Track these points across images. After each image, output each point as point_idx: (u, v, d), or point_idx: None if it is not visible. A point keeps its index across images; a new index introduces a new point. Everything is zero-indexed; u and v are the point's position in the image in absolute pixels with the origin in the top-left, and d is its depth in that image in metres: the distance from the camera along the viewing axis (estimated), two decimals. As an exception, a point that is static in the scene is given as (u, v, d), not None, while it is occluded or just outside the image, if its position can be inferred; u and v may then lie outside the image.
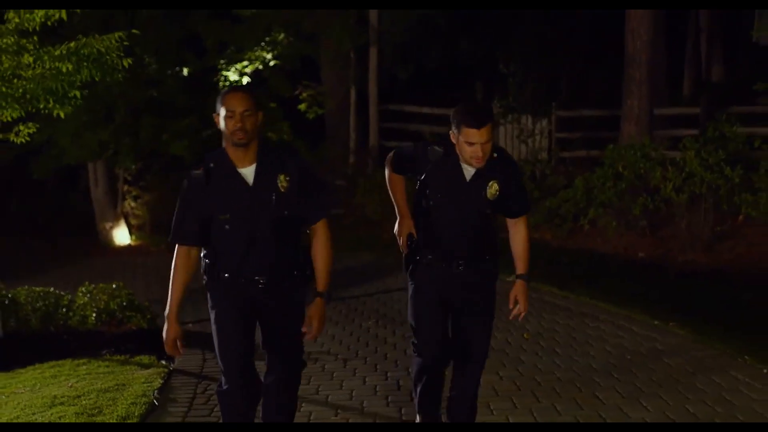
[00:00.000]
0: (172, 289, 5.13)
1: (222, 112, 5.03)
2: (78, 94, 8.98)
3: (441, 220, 5.62)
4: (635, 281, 11.87)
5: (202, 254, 5.21)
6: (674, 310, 9.85)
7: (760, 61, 20.10)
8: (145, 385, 7.12)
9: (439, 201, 5.60)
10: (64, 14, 8.99)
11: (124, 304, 9.97)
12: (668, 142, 17.49)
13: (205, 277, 5.21)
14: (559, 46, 21.69)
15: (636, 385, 7.30)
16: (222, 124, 5.06)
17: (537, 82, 20.61)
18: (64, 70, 8.58)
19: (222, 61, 19.80)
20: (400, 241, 5.66)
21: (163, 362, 8.12)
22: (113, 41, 8.68)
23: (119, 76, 9.11)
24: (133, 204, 20.65)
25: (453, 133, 5.51)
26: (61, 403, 6.74)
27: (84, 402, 6.71)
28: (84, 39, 8.58)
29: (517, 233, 5.73)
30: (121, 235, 19.78)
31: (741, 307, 10.16)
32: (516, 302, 5.67)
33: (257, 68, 20.28)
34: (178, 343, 5.14)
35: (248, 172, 5.11)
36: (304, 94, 21.20)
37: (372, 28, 20.05)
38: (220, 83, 19.85)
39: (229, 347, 5.16)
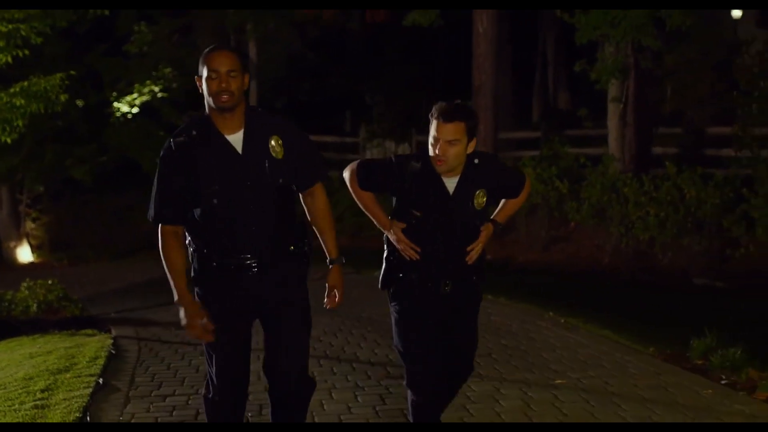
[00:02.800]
0: (170, 270, 4.64)
1: (204, 72, 4.59)
2: (21, 123, 11.11)
3: (425, 236, 5.15)
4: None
5: (187, 241, 4.76)
6: (521, 297, 11.97)
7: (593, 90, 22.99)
8: (99, 343, 9.27)
9: (422, 218, 5.14)
10: (9, 58, 11.13)
11: (60, 296, 12.07)
12: (513, 161, 20.19)
13: (191, 270, 4.74)
14: (418, 80, 24.42)
15: (512, 364, 8.12)
16: (204, 86, 4.61)
17: (398, 111, 23.26)
18: (17, 104, 10.70)
19: (114, 94, 21.86)
20: (400, 244, 5.17)
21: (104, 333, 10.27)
22: (57, 80, 10.83)
23: (59, 108, 11.26)
24: (32, 225, 22.51)
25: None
26: (39, 355, 8.83)
27: (55, 355, 8.81)
28: (34, 79, 10.73)
29: (514, 202, 5.44)
30: (24, 254, 21.60)
31: (571, 293, 12.58)
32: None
33: (146, 100, 22.38)
34: (205, 323, 4.59)
35: (236, 139, 4.65)
36: (190, 123, 23.36)
37: (251, 62, 22.35)
38: (113, 115, 21.91)
39: (223, 364, 4.76)
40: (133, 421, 6.45)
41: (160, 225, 4.70)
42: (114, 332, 10.17)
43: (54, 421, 6.26)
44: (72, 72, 11.40)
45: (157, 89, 22.31)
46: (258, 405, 6.56)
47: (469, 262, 5.22)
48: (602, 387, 7.14)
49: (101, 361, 8.21)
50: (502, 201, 5.42)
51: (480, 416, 6.43)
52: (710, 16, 22.46)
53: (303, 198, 4.92)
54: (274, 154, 4.70)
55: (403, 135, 22.49)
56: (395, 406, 6.65)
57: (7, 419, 6.41)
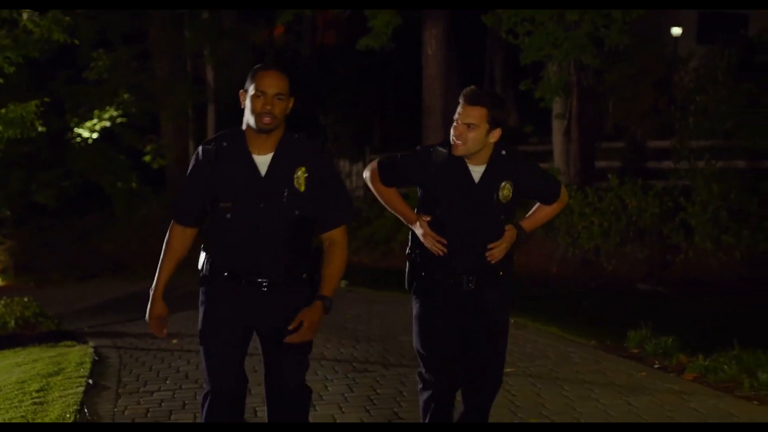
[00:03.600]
0: (161, 266, 4.78)
1: (251, 89, 4.56)
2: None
3: (449, 229, 5.07)
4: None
5: (202, 246, 4.82)
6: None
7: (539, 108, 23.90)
8: (81, 351, 9.89)
9: (446, 208, 5.07)
10: (-13, 87, 11.79)
11: (37, 312, 12.67)
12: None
13: (202, 272, 4.77)
14: (370, 101, 25.24)
15: None
16: (247, 103, 4.58)
17: (351, 131, 24.07)
18: (-2, 130, 11.37)
19: (75, 120, 22.46)
20: (427, 239, 5.09)
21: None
22: (32, 107, 11.49)
23: (33, 134, 11.90)
24: (-4, 250, 23.02)
25: None
26: (26, 364, 9.44)
27: (42, 363, 9.42)
28: (12, 106, 11.38)
29: (549, 209, 5.31)
30: (-9, 277, 22.12)
31: (520, 297, 13.40)
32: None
33: (105, 126, 22.99)
34: (164, 321, 4.85)
35: (263, 161, 4.64)
36: (149, 147, 23.99)
37: (209, 87, 23.04)
38: (74, 141, 22.49)
39: (220, 371, 4.74)
40: (126, 413, 7.08)
41: (172, 221, 4.81)
42: (93, 343, 10.78)
43: (54, 415, 6.88)
44: (46, 99, 12.04)
45: (116, 114, 22.93)
46: (252, 408, 6.87)
47: (491, 261, 5.07)
48: (548, 373, 7.92)
49: (87, 366, 8.82)
50: (534, 207, 5.31)
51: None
52: (650, 34, 23.48)
53: (322, 239, 4.78)
54: (296, 185, 4.64)
55: (356, 154, 23.26)
56: (363, 394, 7.38)
57: (10, 415, 7.03)
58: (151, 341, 10.31)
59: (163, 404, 7.31)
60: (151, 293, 4.81)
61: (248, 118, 4.58)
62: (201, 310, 4.76)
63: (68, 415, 6.81)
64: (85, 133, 22.63)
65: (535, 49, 16.93)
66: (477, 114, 4.91)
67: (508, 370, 8.02)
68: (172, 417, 6.94)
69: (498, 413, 6.40)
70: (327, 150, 4.93)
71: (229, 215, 4.62)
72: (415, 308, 5.21)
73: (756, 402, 6.88)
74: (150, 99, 23.31)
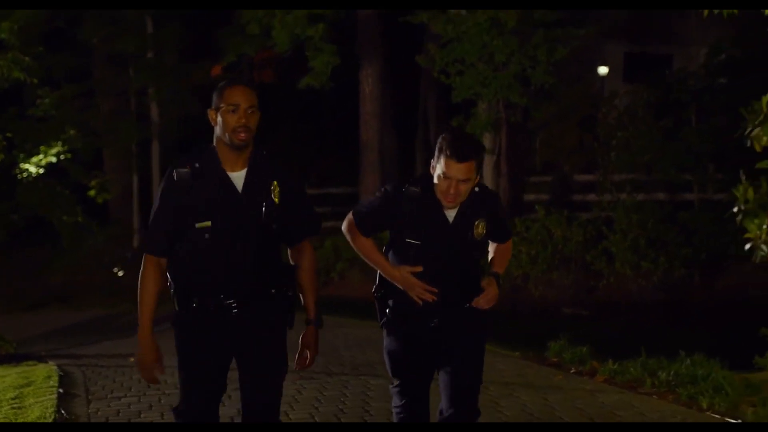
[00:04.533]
0: (141, 303, 4.67)
1: (221, 105, 4.57)
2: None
3: (423, 268, 5.05)
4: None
5: (169, 277, 4.72)
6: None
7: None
8: (46, 368, 10.60)
9: (419, 248, 5.05)
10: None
11: (-5, 336, 13.34)
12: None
13: (174, 308, 4.74)
14: (308, 137, 26.17)
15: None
16: (219, 120, 4.60)
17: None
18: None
19: (21, 155, 23.07)
20: (414, 290, 5.05)
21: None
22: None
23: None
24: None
25: (432, 164, 5.03)
26: (-5, 380, 10.16)
27: (9, 378, 10.10)
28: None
29: (505, 249, 5.41)
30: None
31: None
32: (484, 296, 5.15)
33: (51, 161, 23.61)
34: (157, 367, 4.73)
35: (238, 177, 4.64)
36: (93, 182, 24.64)
37: (153, 124, 23.81)
38: (19, 176, 23.09)
39: (194, 403, 4.76)
40: (99, 413, 7.86)
41: (144, 254, 4.73)
42: (54, 363, 11.48)
43: (34, 416, 7.62)
44: (9, 134, 12.77)
45: (62, 150, 23.57)
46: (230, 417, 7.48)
47: (467, 305, 5.14)
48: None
49: (55, 378, 9.53)
50: (492, 250, 5.33)
51: (379, 415, 8.02)
52: (579, 74, 24.67)
53: (290, 252, 4.93)
54: (274, 198, 4.70)
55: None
56: (310, 396, 8.23)
57: (-9, 418, 7.77)
58: (109, 359, 11.05)
59: (131, 407, 8.09)
60: (140, 338, 4.69)
61: (221, 136, 4.60)
62: (180, 354, 4.72)
63: (48, 416, 7.56)
64: (32, 169, 23.22)
65: (466, 88, 18.00)
66: (470, 168, 4.88)
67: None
68: (142, 416, 7.73)
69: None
70: (293, 168, 4.90)
71: (207, 235, 4.60)
72: (385, 342, 5.24)
73: (655, 396, 7.89)
74: (95, 135, 24.00)
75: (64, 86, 23.95)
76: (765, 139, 6.84)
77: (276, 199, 4.71)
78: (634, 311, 15.58)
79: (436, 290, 5.03)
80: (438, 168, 4.94)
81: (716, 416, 7.15)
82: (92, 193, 24.54)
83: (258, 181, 4.69)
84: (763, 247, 7.75)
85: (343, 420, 7.43)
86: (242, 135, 4.56)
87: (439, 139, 5.00)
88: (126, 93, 24.42)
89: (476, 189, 5.05)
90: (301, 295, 4.91)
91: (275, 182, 4.71)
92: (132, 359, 10.87)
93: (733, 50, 19.91)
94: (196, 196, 4.61)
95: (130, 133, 23.66)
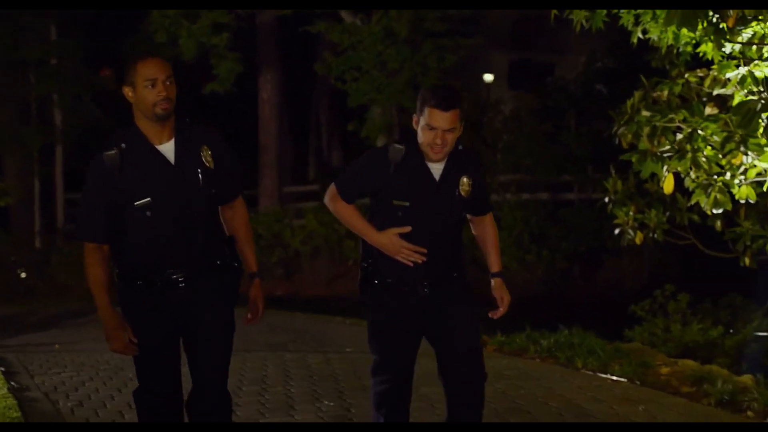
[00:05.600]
0: (92, 285, 4.62)
1: (137, 81, 4.49)
2: None
3: (410, 231, 4.91)
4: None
5: (113, 258, 4.68)
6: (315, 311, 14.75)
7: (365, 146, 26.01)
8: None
9: (407, 209, 4.90)
10: None
11: None
12: (295, 212, 22.92)
13: (119, 289, 4.71)
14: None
15: (311, 345, 12.12)
16: (137, 96, 4.51)
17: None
18: None
19: None
20: (402, 252, 4.89)
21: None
22: None
23: None
24: None
25: (415, 118, 4.90)
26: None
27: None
28: None
29: (486, 229, 5.23)
30: None
31: (355, 311, 15.37)
32: (501, 301, 5.20)
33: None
34: (126, 334, 4.62)
35: (167, 149, 4.58)
36: (-7, 187, 25.07)
37: (57, 129, 24.37)
38: None
39: (153, 382, 4.74)
40: (45, 384, 8.63)
41: (84, 243, 4.65)
42: None
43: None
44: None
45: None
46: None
47: (494, 317, 5.18)
48: (367, 357, 9.78)
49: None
50: (486, 248, 5.23)
51: (300, 382, 9.00)
52: (468, 81, 25.88)
53: (222, 211, 4.85)
54: (207, 164, 4.66)
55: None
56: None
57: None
58: (36, 347, 11.77)
59: (73, 379, 8.88)
60: (101, 314, 4.63)
61: (142, 110, 4.55)
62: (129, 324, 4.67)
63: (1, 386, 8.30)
64: None
65: (362, 94, 19.10)
66: (454, 117, 4.79)
67: (348, 349, 10.00)
68: (86, 385, 8.52)
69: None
70: (217, 131, 4.87)
71: (149, 212, 4.53)
72: (369, 316, 5.09)
73: (538, 360, 9.09)
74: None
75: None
76: (630, 136, 8.00)
77: (210, 164, 4.68)
78: (520, 301, 16.82)
79: (425, 250, 4.88)
80: (422, 120, 4.83)
81: (589, 372, 8.33)
82: (-8, 197, 24.99)
83: (188, 150, 4.65)
84: (630, 231, 9.02)
85: (267, 389, 8.35)
86: (164, 105, 4.51)
87: (420, 93, 4.94)
88: (27, 99, 24.85)
89: (459, 147, 4.95)
90: (241, 251, 4.85)
91: (204, 146, 4.68)
92: (57, 346, 11.67)
93: (607, 60, 21.35)
94: (129, 175, 4.54)
95: (32, 139, 24.16)
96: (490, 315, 5.21)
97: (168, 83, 4.52)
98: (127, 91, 4.56)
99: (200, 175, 4.64)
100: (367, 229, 5.00)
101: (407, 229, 4.89)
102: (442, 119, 4.78)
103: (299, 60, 24.12)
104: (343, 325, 12.79)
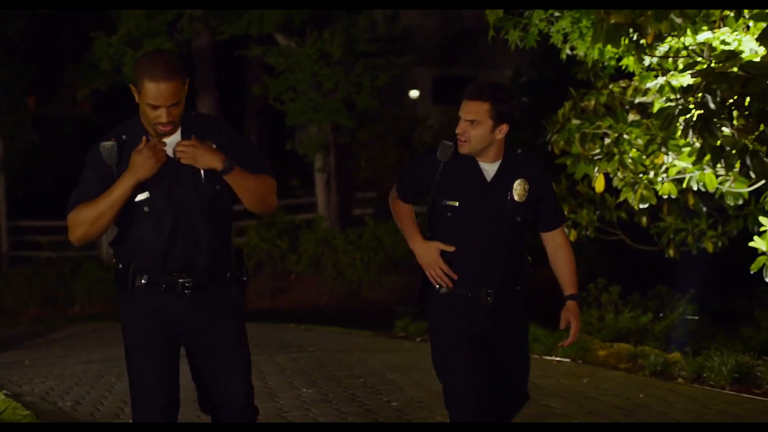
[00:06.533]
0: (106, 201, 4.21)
1: (142, 93, 4.15)
2: None
3: (460, 234, 4.69)
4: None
5: (114, 257, 4.43)
6: (271, 321, 15.42)
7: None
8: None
9: (456, 210, 4.68)
10: None
11: None
12: (236, 229, 23.47)
13: (119, 287, 4.39)
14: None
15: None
16: (140, 104, 4.21)
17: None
18: None
19: None
20: (435, 272, 4.64)
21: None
22: None
23: None
24: None
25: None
26: None
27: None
28: None
29: (559, 249, 4.89)
30: None
31: (303, 319, 16.11)
32: (568, 326, 4.82)
33: None
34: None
35: (170, 142, 4.25)
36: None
37: (-2, 156, 24.75)
38: None
39: (149, 402, 4.37)
40: (35, 389, 9.29)
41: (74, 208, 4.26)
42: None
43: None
44: None
45: None
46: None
47: (563, 346, 5.02)
48: (330, 355, 10.54)
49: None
50: (558, 268, 4.87)
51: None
52: (395, 97, 26.71)
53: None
54: None
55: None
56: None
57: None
58: (6, 365, 12.31)
59: (59, 386, 9.54)
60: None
61: (144, 122, 4.28)
62: (126, 344, 4.42)
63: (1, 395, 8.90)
64: None
65: (299, 113, 19.89)
66: (479, 109, 4.61)
67: (295, 354, 10.74)
68: (74, 389, 9.18)
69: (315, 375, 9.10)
70: (227, 122, 4.57)
71: (146, 208, 4.26)
72: (431, 331, 4.85)
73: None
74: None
75: None
76: (562, 143, 8.89)
77: None
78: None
79: (456, 277, 4.64)
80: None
81: (536, 356, 9.21)
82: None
83: None
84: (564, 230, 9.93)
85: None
86: (165, 128, 4.22)
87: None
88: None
89: (519, 151, 4.81)
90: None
91: (209, 142, 4.29)
92: (28, 362, 12.20)
93: (531, 73, 22.37)
94: (126, 167, 4.23)
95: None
96: (559, 345, 5.20)
97: (172, 108, 4.17)
98: (133, 90, 4.25)
99: (202, 173, 4.30)
100: (411, 233, 4.83)
101: (451, 248, 4.67)
102: (465, 108, 4.65)
103: (233, 83, 24.82)
104: (297, 330, 13.52)
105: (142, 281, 4.34)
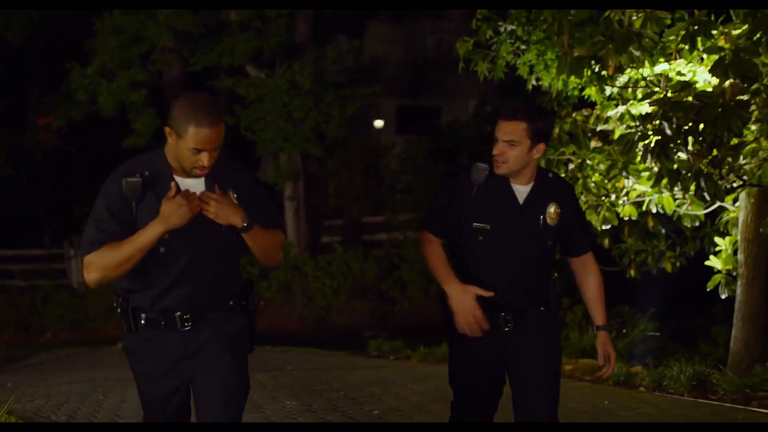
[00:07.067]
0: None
1: (184, 139, 4.05)
2: None
3: (488, 258, 4.65)
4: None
5: (117, 299, 4.29)
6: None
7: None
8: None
9: (487, 233, 4.62)
10: None
11: None
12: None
13: (123, 324, 4.29)
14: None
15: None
16: (177, 147, 4.09)
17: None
18: None
19: None
20: (466, 318, 4.53)
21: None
22: None
23: None
24: None
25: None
26: None
27: None
28: None
29: (589, 275, 4.82)
30: None
31: (278, 341, 16.51)
32: (606, 358, 4.76)
33: None
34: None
35: (194, 185, 4.18)
36: None
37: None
38: None
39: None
40: (26, 406, 9.63)
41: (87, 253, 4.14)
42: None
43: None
44: None
45: None
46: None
47: (602, 377, 4.92)
48: (309, 372, 10.99)
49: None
50: (590, 296, 4.81)
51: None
52: (361, 126, 27.17)
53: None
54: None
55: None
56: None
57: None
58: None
59: (48, 404, 9.89)
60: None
61: (179, 161, 4.16)
62: (139, 390, 4.43)
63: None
64: None
65: (269, 142, 20.32)
66: (516, 129, 4.56)
67: (275, 373, 11.15)
68: (64, 407, 9.53)
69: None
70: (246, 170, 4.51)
71: (162, 249, 4.17)
72: (451, 351, 4.85)
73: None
74: None
75: None
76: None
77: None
78: (432, 323, 18.19)
79: (487, 327, 4.58)
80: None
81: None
82: None
83: (216, 189, 4.23)
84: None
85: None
86: (202, 171, 4.17)
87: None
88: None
89: (550, 175, 4.79)
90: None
91: (230, 190, 4.27)
92: (10, 384, 12.50)
93: (496, 102, 22.92)
94: (146, 208, 4.15)
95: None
96: (597, 375, 4.95)
97: (213, 152, 4.12)
98: (169, 132, 4.14)
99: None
100: (446, 275, 4.65)
101: (490, 293, 4.58)
102: (502, 129, 4.59)
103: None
104: (273, 352, 13.92)
105: (142, 321, 4.28)
